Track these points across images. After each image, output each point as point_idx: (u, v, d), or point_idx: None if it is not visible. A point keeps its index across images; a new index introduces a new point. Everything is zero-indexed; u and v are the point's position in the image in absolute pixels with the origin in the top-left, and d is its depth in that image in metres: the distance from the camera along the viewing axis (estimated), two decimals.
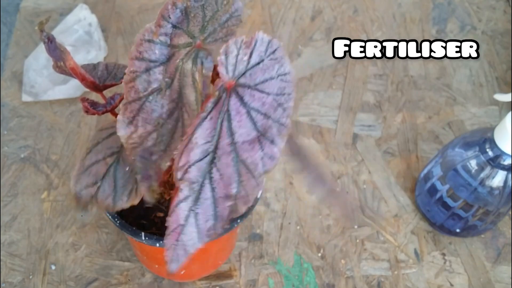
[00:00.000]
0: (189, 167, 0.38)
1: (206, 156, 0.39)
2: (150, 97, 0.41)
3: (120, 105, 0.40)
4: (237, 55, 0.39)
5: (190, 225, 0.39)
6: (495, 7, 0.89)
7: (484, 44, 0.84)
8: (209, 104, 0.38)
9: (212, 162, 0.39)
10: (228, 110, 0.39)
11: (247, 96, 0.39)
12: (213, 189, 0.39)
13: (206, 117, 0.38)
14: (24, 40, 0.81)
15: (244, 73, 0.39)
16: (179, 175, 0.38)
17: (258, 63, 0.39)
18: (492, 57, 0.83)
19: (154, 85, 0.41)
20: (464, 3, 0.89)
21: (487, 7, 0.89)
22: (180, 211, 0.39)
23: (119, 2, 0.85)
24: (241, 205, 0.39)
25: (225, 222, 0.39)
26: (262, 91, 0.39)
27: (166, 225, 0.39)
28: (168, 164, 0.42)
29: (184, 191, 0.38)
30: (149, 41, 0.41)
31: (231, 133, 0.39)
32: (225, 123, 0.39)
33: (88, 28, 0.78)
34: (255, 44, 0.39)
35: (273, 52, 0.40)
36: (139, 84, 0.40)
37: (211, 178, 0.39)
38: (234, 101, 0.39)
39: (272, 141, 0.39)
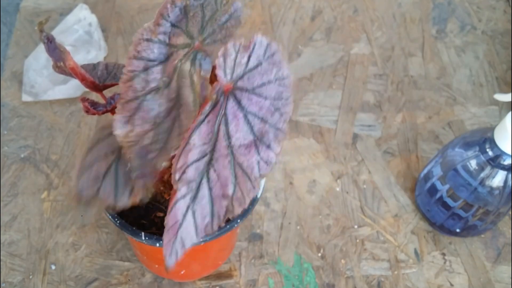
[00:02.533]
0: (187, 167, 0.39)
1: (203, 157, 0.39)
2: (148, 96, 0.40)
3: (117, 104, 0.40)
4: (235, 58, 0.39)
5: (187, 221, 0.39)
6: (495, 7, 0.89)
7: (484, 44, 0.84)
8: (207, 108, 0.38)
9: (209, 163, 0.39)
10: (225, 114, 0.39)
11: (245, 100, 0.39)
12: (210, 188, 0.39)
13: (203, 121, 0.39)
14: (24, 40, 0.81)
15: (242, 77, 0.39)
16: (177, 176, 0.39)
17: (256, 67, 0.39)
18: (492, 57, 0.83)
19: (152, 84, 0.41)
20: (464, 3, 0.89)
21: (487, 7, 0.89)
22: (178, 208, 0.39)
23: (119, 2, 0.85)
24: (237, 206, 0.40)
25: (221, 221, 0.40)
26: (259, 95, 0.39)
27: (164, 223, 0.39)
28: (166, 163, 0.42)
29: (182, 189, 0.39)
30: (148, 40, 0.41)
31: (228, 137, 0.39)
32: (222, 127, 0.39)
33: (88, 28, 0.78)
34: (253, 47, 0.39)
35: (272, 55, 0.40)
36: (137, 84, 0.40)
37: (208, 178, 0.39)
38: (231, 105, 0.39)
39: (268, 146, 0.40)
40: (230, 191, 0.39)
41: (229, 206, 0.40)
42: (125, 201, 0.45)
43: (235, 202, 0.40)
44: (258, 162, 0.40)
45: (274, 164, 0.40)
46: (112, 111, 0.49)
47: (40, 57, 0.75)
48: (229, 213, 0.40)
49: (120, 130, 0.40)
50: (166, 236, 0.39)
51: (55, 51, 0.43)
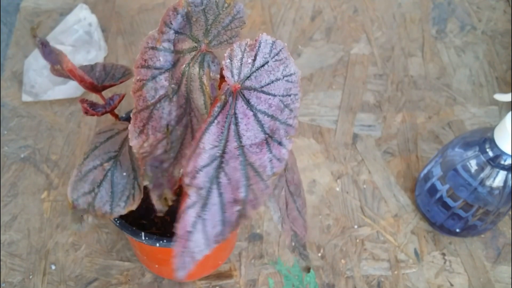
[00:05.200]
0: (197, 172, 0.38)
1: (213, 161, 0.39)
2: (158, 105, 0.41)
3: (131, 115, 0.40)
4: (241, 58, 0.39)
5: (197, 231, 0.39)
6: (495, 7, 0.89)
7: (484, 44, 0.84)
8: (216, 109, 0.38)
9: (219, 167, 0.39)
10: (235, 113, 0.39)
11: (254, 99, 0.39)
12: (220, 194, 0.39)
13: (213, 122, 0.38)
14: (24, 40, 0.81)
15: (249, 76, 0.40)
16: (187, 180, 0.38)
17: (263, 65, 0.40)
18: (492, 57, 0.83)
19: (161, 92, 0.41)
20: (464, 3, 0.89)
21: (487, 7, 0.89)
22: (187, 217, 0.38)
23: (119, 2, 0.85)
24: (250, 209, 0.39)
25: (233, 227, 0.39)
26: (268, 93, 0.40)
27: (174, 231, 0.39)
28: (182, 170, 0.41)
29: (192, 197, 0.38)
30: (153, 48, 0.41)
31: (239, 137, 0.39)
32: (232, 127, 0.39)
33: (88, 28, 0.78)
34: (259, 47, 0.40)
35: (278, 53, 0.40)
36: (147, 93, 0.41)
37: (218, 183, 0.39)
38: (240, 105, 0.39)
39: (280, 143, 0.40)
40: (242, 194, 0.39)
41: (242, 210, 0.39)
42: (121, 209, 0.45)
43: (248, 205, 0.39)
44: (271, 160, 0.39)
45: (286, 161, 0.40)
46: (112, 112, 0.49)
47: (40, 57, 0.75)
48: (241, 217, 0.39)
49: (135, 141, 0.40)
50: (176, 248, 0.38)
51: (51, 55, 0.43)
